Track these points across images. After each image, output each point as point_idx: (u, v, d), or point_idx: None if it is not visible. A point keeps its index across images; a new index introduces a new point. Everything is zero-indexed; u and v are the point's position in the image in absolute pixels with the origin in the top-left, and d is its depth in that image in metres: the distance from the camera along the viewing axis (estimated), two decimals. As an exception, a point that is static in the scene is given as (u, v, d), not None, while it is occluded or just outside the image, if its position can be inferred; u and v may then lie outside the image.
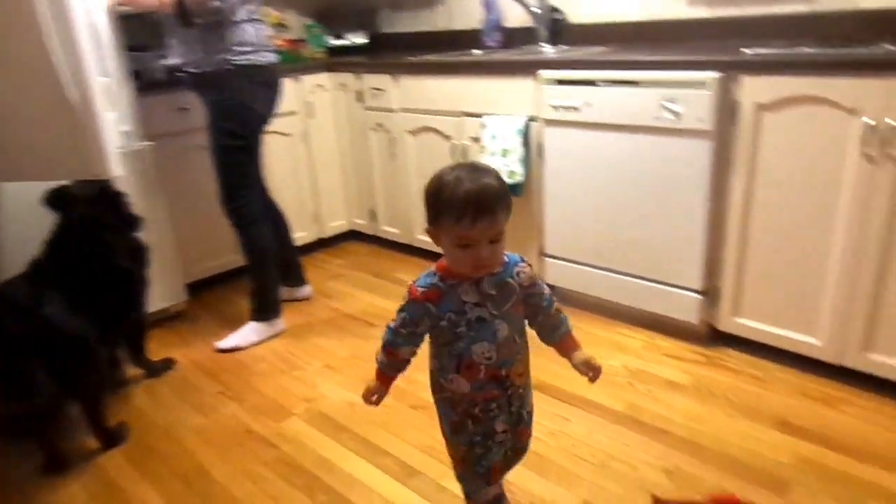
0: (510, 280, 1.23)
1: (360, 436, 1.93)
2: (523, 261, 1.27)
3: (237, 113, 2.39)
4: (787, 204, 1.93)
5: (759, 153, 1.93)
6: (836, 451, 1.72)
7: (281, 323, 2.62)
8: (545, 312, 1.30)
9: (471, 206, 1.09)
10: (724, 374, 2.09)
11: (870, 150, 1.72)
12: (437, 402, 1.37)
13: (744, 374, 2.09)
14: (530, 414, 1.38)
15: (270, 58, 2.42)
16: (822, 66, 1.78)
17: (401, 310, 1.26)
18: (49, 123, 1.92)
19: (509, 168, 2.49)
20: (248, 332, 2.55)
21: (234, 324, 2.63)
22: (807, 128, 1.83)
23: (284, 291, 2.78)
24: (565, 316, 1.33)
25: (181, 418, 2.09)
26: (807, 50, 1.88)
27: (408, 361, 1.35)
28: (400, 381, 2.17)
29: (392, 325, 1.29)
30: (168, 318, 2.74)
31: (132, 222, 2.20)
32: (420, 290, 1.22)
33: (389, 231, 3.32)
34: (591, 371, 1.28)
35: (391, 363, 1.34)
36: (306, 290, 2.91)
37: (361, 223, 3.47)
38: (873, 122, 1.69)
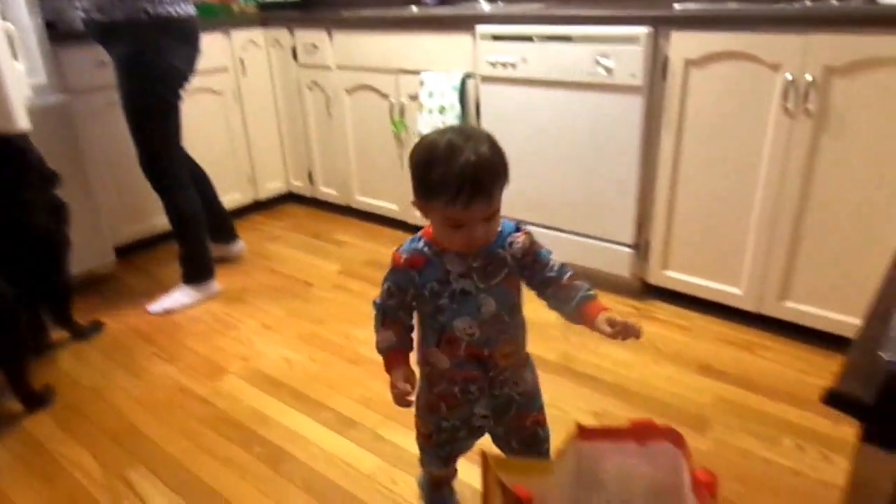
0: (500, 251, 1.13)
1: (297, 391, 1.93)
2: (519, 229, 1.15)
3: (154, 70, 2.22)
4: (713, 159, 2.00)
5: (688, 109, 2.00)
6: (753, 391, 1.82)
7: (214, 285, 2.56)
8: (555, 283, 1.15)
9: (466, 186, 0.98)
10: (653, 325, 2.17)
11: (789, 105, 1.80)
12: (420, 375, 1.23)
13: (671, 324, 2.18)
14: (529, 396, 1.25)
15: (189, 10, 2.27)
16: (746, 21, 1.83)
17: (385, 280, 1.16)
18: None
19: (447, 126, 2.48)
20: (180, 296, 2.48)
21: (165, 287, 2.56)
22: (732, 83, 1.89)
23: (216, 249, 2.71)
24: (583, 283, 1.15)
25: (111, 379, 2.03)
26: (732, 5, 1.94)
27: (410, 331, 1.21)
28: (337, 337, 2.21)
29: (378, 300, 1.18)
30: (96, 282, 2.64)
31: (48, 179, 2.10)
32: (403, 256, 1.13)
33: (327, 193, 3.28)
34: (611, 327, 1.07)
35: (389, 339, 1.18)
36: (239, 245, 2.84)
37: (299, 185, 3.41)
38: (792, 77, 1.77)
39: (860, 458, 0.82)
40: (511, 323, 1.17)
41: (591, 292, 1.14)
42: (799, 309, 1.97)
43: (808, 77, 1.74)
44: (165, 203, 2.43)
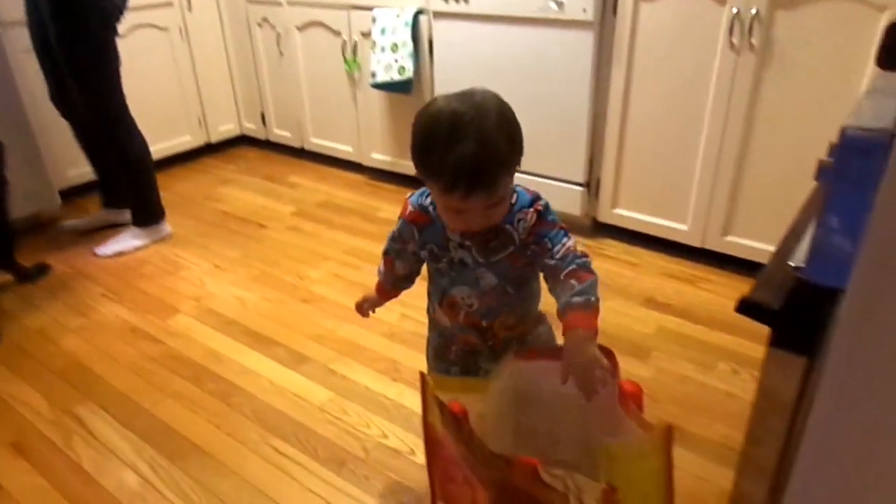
0: (508, 227, 1.02)
1: (249, 329, 1.93)
2: (533, 205, 1.03)
3: (90, 9, 2.09)
4: (662, 94, 2.01)
5: (637, 44, 2.00)
6: (693, 321, 1.89)
7: (165, 227, 2.52)
8: (553, 274, 1.02)
9: (464, 179, 0.89)
10: (603, 262, 2.22)
11: (734, 39, 1.81)
12: (428, 321, 1.24)
13: (620, 260, 2.23)
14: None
15: None
16: (694, -46, 1.83)
17: (398, 219, 1.13)
18: None
19: (400, 63, 2.45)
20: (131, 238, 2.44)
21: (112, 228, 2.52)
22: (680, 18, 1.90)
23: (110, 215, 2.60)
24: (589, 284, 0.99)
25: (58, 320, 2.01)
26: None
27: (406, 280, 1.20)
28: (290, 277, 2.21)
29: (390, 233, 1.16)
30: (41, 225, 2.58)
31: None
32: (409, 208, 1.09)
33: (281, 135, 3.22)
34: (579, 379, 0.95)
35: (387, 273, 1.20)
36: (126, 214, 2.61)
37: (252, 127, 3.34)
38: (737, 11, 1.78)
39: (769, 364, 0.87)
40: (517, 295, 1.10)
41: (577, 299, 0.97)
42: (740, 243, 2.03)
43: (753, 10, 1.75)
44: (112, 146, 2.34)
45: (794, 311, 0.79)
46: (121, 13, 2.21)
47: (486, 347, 1.17)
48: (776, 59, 1.78)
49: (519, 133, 0.96)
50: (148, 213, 2.46)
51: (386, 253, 1.19)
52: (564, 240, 1.03)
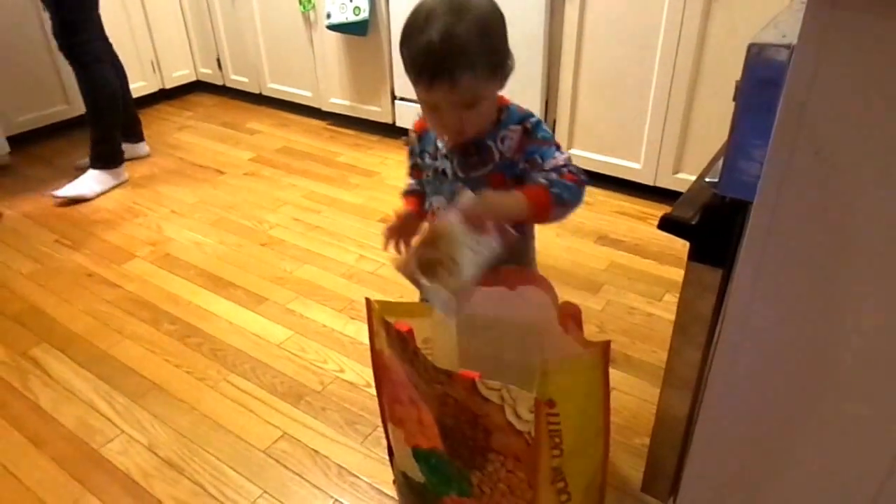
0: (489, 143, 1.01)
1: (207, 272, 1.94)
2: (522, 122, 1.01)
3: None
4: (614, 34, 2.02)
5: (590, -18, 2.00)
6: (643, 256, 1.95)
7: (124, 172, 2.48)
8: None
9: (427, 64, 0.90)
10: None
11: (683, -25, 1.82)
12: None
13: (575, 200, 2.27)
14: None
15: None
16: None
17: None
18: None
19: (354, 4, 2.40)
20: (90, 181, 2.39)
21: (65, 175, 2.47)
22: (632, -46, 1.90)
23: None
24: (566, 183, 0.97)
25: (9, 265, 1.99)
26: None
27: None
28: (248, 221, 2.21)
29: None
30: (-11, 172, 2.52)
31: None
32: (416, 119, 1.11)
33: (238, 80, 3.16)
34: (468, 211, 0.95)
35: (406, 184, 1.20)
36: (143, 147, 2.71)
37: (208, 73, 3.26)
38: (687, -54, 1.78)
39: (688, 278, 0.92)
40: None
41: (542, 180, 0.97)
42: (690, 180, 2.07)
43: (703, -55, 1.76)
44: (80, 78, 2.30)
45: (709, 224, 0.84)
46: None
47: None
48: (725, -5, 1.79)
49: (498, 42, 0.94)
50: (110, 155, 2.42)
51: (409, 168, 1.19)
52: (556, 154, 1.00)
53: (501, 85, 0.98)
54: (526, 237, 1.18)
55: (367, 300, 1.08)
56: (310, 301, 1.80)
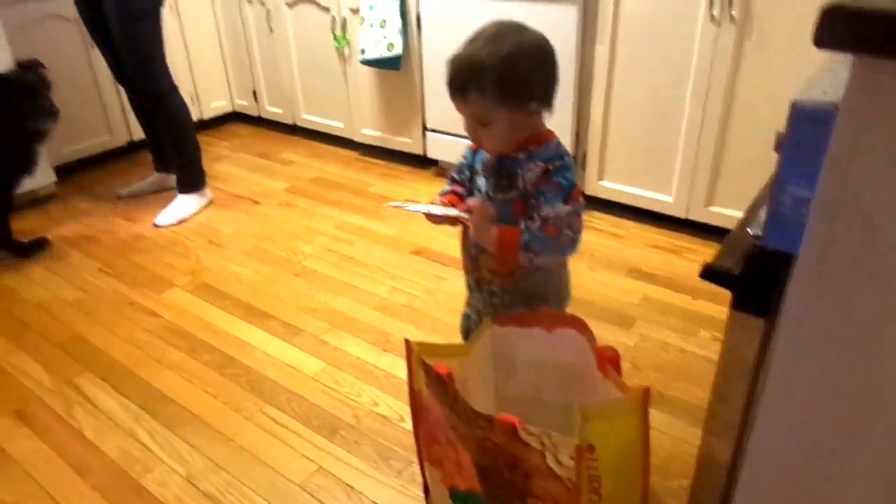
0: (518, 171, 1.10)
1: (243, 302, 1.98)
2: (548, 161, 1.08)
3: None
4: (645, 68, 2.04)
5: (620, 19, 2.02)
6: (677, 291, 1.94)
7: (208, 191, 2.57)
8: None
9: (449, 76, 1.04)
10: (590, 234, 2.26)
11: (714, 12, 1.83)
12: None
13: (606, 232, 2.27)
14: None
15: None
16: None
17: None
18: None
19: (388, 40, 2.46)
20: (182, 205, 2.49)
21: (106, 204, 2.56)
22: (664, -8, 1.92)
23: (160, 179, 2.69)
24: (544, 235, 1.06)
25: (56, 293, 2.05)
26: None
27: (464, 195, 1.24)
28: (283, 252, 2.25)
29: None
30: (37, 202, 2.61)
31: (49, 112, 2.12)
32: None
33: (273, 112, 3.24)
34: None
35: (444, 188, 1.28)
36: None
37: (244, 104, 3.35)
38: (719, -15, 1.80)
39: (731, 325, 0.92)
40: None
41: (522, 226, 1.07)
42: (723, 213, 2.07)
43: (734, -17, 1.78)
44: (158, 112, 2.39)
45: (752, 275, 0.84)
46: None
47: (473, 279, 1.26)
48: (756, 31, 1.80)
49: (522, 74, 1.02)
50: (195, 179, 2.52)
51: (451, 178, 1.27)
52: (557, 204, 1.06)
53: (521, 114, 1.06)
54: (550, 273, 1.21)
55: (407, 341, 1.10)
56: (343, 333, 1.82)
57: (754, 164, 1.95)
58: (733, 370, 0.92)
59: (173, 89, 2.39)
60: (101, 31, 2.30)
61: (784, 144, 0.75)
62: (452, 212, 1.11)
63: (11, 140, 2.07)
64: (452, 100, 1.06)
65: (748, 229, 0.87)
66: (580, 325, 1.13)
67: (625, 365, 1.66)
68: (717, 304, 1.86)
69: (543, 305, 1.23)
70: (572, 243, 1.10)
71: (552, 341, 1.15)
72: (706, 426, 1.01)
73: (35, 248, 2.28)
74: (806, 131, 0.71)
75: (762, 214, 0.84)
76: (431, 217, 1.14)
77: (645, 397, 0.94)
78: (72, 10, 2.51)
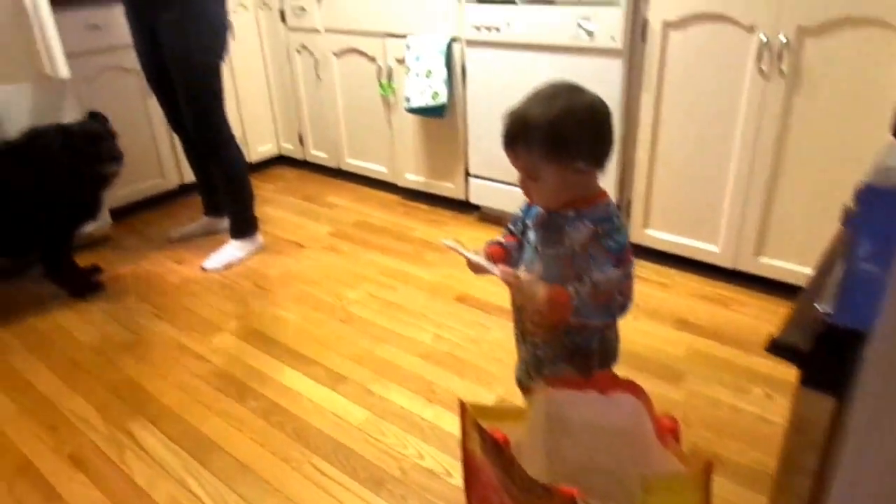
0: (567, 228, 1.12)
1: (290, 348, 2.00)
2: (598, 224, 1.09)
3: (214, 28, 2.29)
4: (691, 119, 2.04)
5: (666, 71, 2.03)
6: (726, 344, 1.91)
7: (259, 237, 2.64)
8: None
9: (503, 130, 1.09)
10: (634, 283, 2.24)
11: (763, 66, 1.83)
12: None
13: (650, 281, 2.25)
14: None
15: None
16: (723, -17, 1.86)
17: None
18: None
19: (433, 89, 2.51)
20: (234, 250, 2.56)
21: (157, 246, 2.65)
22: (709, 45, 1.93)
23: (209, 223, 2.77)
24: (590, 299, 1.08)
25: (109, 335, 2.11)
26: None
27: (512, 245, 1.28)
28: (328, 297, 2.28)
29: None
30: (93, 243, 2.69)
31: (115, 158, 2.26)
32: None
33: (318, 156, 3.32)
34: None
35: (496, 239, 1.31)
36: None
37: (290, 148, 3.44)
38: (766, 38, 1.80)
39: (799, 399, 0.90)
40: None
41: (571, 289, 1.08)
42: (772, 264, 2.04)
43: (782, 38, 1.78)
44: (218, 160, 2.47)
45: (822, 353, 0.82)
46: (230, 33, 2.38)
47: (518, 330, 1.28)
48: (806, 84, 1.80)
49: (570, 135, 1.06)
50: (247, 225, 2.59)
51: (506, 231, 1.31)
52: (608, 269, 1.08)
53: (569, 172, 1.09)
54: (597, 330, 1.21)
55: (461, 402, 1.10)
56: (388, 381, 1.83)
57: (805, 216, 1.92)
58: (802, 444, 0.89)
59: (231, 139, 2.47)
60: (161, 83, 2.40)
61: (855, 222, 0.74)
62: (495, 271, 1.15)
63: (77, 186, 2.16)
64: (505, 152, 1.11)
65: (817, 305, 0.86)
66: (636, 390, 1.11)
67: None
68: (769, 361, 1.81)
69: (588, 362, 1.23)
70: (623, 308, 1.12)
71: (607, 405, 1.14)
72: (773, 499, 0.98)
73: (91, 289, 2.35)
74: (878, 211, 0.70)
75: (830, 289, 0.82)
76: (474, 266, 1.19)
77: (708, 472, 0.92)
78: (131, 62, 2.64)
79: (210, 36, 2.29)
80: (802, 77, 1.79)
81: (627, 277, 1.11)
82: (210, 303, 2.28)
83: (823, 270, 0.97)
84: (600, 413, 1.14)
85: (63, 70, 2.06)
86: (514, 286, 1.14)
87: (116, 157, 2.17)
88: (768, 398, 1.68)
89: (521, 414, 1.13)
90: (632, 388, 1.11)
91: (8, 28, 1.95)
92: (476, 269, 1.19)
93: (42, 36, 1.99)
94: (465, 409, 1.10)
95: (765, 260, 2.05)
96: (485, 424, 1.06)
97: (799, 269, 1.98)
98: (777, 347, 0.88)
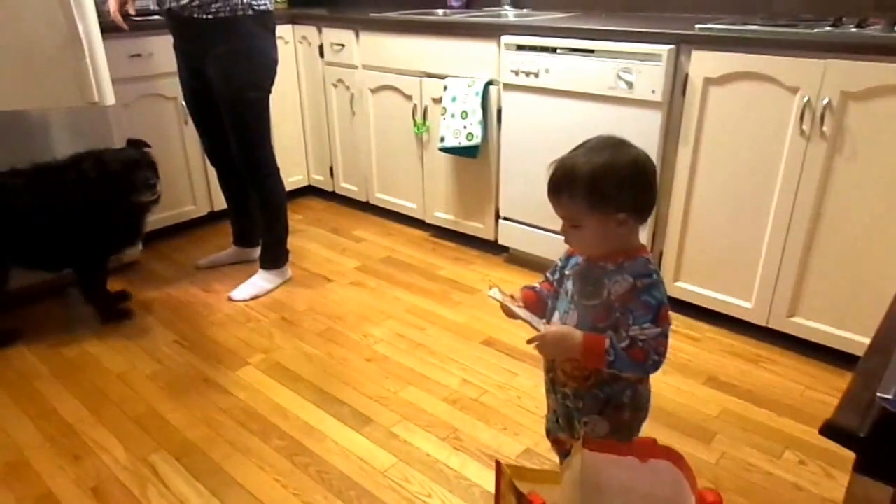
0: (606, 281, 1.13)
1: (315, 385, 1.99)
2: (637, 278, 1.10)
3: (263, 63, 2.32)
4: (729, 174, 2.03)
5: (705, 126, 2.03)
6: (759, 405, 1.87)
7: (288, 270, 2.65)
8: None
9: (549, 178, 1.12)
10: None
11: (804, 126, 1.83)
12: None
13: (680, 334, 2.22)
14: (588, 426, 1.24)
15: (273, 1, 2.36)
16: (766, 44, 1.86)
17: None
18: (54, 52, 2.01)
19: (468, 130, 2.53)
20: (262, 282, 2.56)
21: (185, 274, 2.67)
22: (750, 103, 1.92)
23: (241, 253, 2.79)
24: (627, 356, 1.09)
25: (135, 364, 2.11)
26: (754, 27, 1.97)
27: (546, 292, 1.30)
28: (354, 334, 2.27)
29: None
30: (123, 268, 2.72)
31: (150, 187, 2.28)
32: None
33: (348, 188, 3.34)
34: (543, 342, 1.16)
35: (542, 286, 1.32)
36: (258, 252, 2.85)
37: (320, 179, 3.48)
38: (809, 100, 1.80)
39: (854, 486, 0.87)
40: None
41: (607, 343, 1.09)
42: (807, 325, 2.00)
43: (825, 100, 1.77)
44: (259, 189, 2.50)
45: (881, 441, 0.80)
46: (277, 68, 2.40)
47: (548, 379, 1.28)
48: (848, 147, 1.78)
49: (611, 188, 1.08)
50: (279, 257, 2.61)
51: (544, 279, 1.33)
52: (647, 325, 1.08)
53: (610, 223, 1.10)
54: (628, 383, 1.20)
55: (498, 463, 1.08)
56: (413, 426, 1.81)
57: (842, 278, 1.89)
58: (854, 534, 0.87)
59: (276, 171, 2.50)
60: (204, 115, 2.44)
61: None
62: (536, 322, 1.18)
63: (111, 213, 2.18)
64: (549, 199, 1.14)
65: (879, 394, 0.83)
66: (677, 459, 1.09)
67: (704, 484, 1.59)
68: (801, 424, 1.78)
69: (619, 415, 1.22)
70: (656, 366, 1.12)
71: (645, 472, 1.12)
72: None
73: (119, 317, 2.37)
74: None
75: (892, 371, 0.80)
76: (509, 313, 1.22)
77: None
78: (169, 90, 2.71)
79: (258, 71, 2.33)
80: (844, 140, 1.78)
81: (664, 336, 1.11)
82: (236, 334, 2.28)
83: (880, 349, 0.95)
84: (638, 480, 1.12)
85: (109, 97, 2.10)
86: (550, 344, 1.16)
87: (151, 186, 2.19)
88: (801, 464, 1.64)
89: (556, 477, 1.11)
90: (673, 456, 1.09)
91: (61, 53, 2.00)
92: (511, 315, 1.22)
93: (92, 63, 2.03)
94: (500, 470, 1.08)
95: (798, 320, 2.02)
96: (522, 487, 1.04)
97: (833, 332, 1.95)
98: (832, 430, 0.86)
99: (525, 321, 1.20)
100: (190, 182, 2.97)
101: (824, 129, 1.79)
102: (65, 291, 2.51)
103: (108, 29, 2.56)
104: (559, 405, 1.30)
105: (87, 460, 1.71)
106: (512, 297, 1.26)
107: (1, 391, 1.99)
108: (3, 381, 2.04)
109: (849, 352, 1.92)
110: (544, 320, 1.22)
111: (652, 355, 1.09)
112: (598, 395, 1.21)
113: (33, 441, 1.78)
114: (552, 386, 1.29)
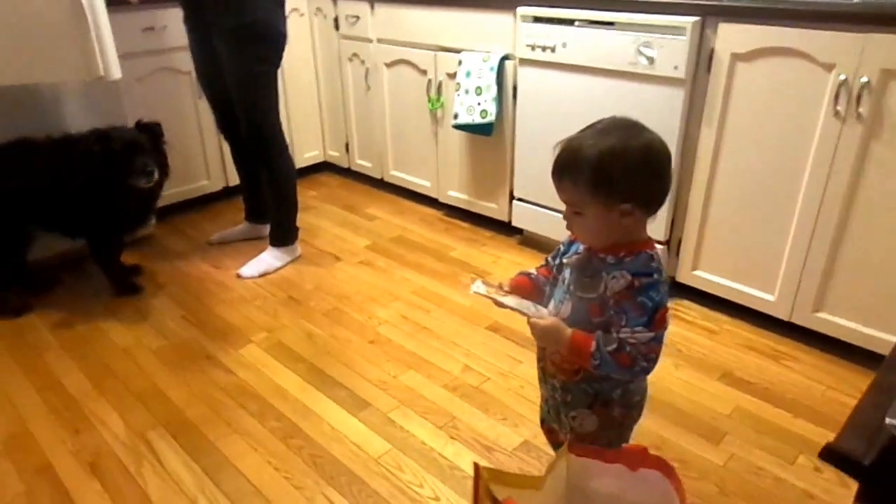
0: (603, 274, 1.06)
1: (316, 367, 1.96)
2: (635, 276, 1.03)
3: (269, 36, 2.27)
4: (754, 158, 1.91)
5: (731, 105, 1.91)
6: (775, 404, 1.77)
7: (298, 248, 2.62)
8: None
9: (554, 161, 1.06)
10: (678, 326, 2.12)
11: (839, 107, 1.69)
12: None
13: (696, 325, 2.12)
14: (575, 421, 1.20)
15: None
16: (800, 16, 1.72)
17: None
18: (58, 26, 1.98)
19: (482, 107, 2.44)
20: (271, 259, 2.55)
21: (198, 249, 2.66)
22: (780, 81, 1.79)
23: (253, 229, 2.77)
24: (613, 360, 1.04)
25: (141, 339, 2.12)
26: (787, -1, 1.82)
27: (543, 279, 1.25)
28: (359, 315, 2.23)
29: None
30: (137, 242, 2.72)
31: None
32: None
33: (362, 165, 3.29)
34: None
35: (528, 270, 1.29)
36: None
37: (335, 155, 3.43)
38: (845, 78, 1.66)
39: (855, 513, 0.79)
40: None
41: (594, 344, 1.05)
42: (833, 321, 1.89)
43: (863, 79, 1.63)
44: (268, 166, 2.47)
45: (887, 470, 0.72)
46: (286, 42, 2.35)
47: (539, 368, 1.26)
48: (887, 132, 1.65)
49: (619, 173, 1.00)
50: (288, 235, 2.59)
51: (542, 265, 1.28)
52: (638, 328, 1.02)
53: (614, 213, 1.02)
54: (619, 382, 1.15)
55: (476, 466, 1.03)
56: (411, 412, 1.77)
57: (873, 273, 1.77)
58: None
59: (285, 148, 2.46)
60: (214, 88, 2.41)
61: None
62: (525, 309, 1.14)
63: (112, 193, 2.16)
64: (553, 182, 1.07)
65: (887, 419, 0.75)
66: (667, 469, 1.02)
67: (709, 487, 1.51)
68: (818, 427, 1.68)
69: (608, 412, 1.17)
70: (645, 371, 1.06)
71: (633, 481, 1.05)
72: None
73: (130, 291, 2.38)
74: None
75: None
76: (498, 303, 1.16)
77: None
78: (183, 64, 2.67)
79: (265, 45, 2.27)
80: (883, 123, 1.64)
81: (657, 342, 1.04)
82: (242, 312, 2.27)
83: (889, 370, 0.86)
84: (625, 488, 1.06)
85: (116, 72, 2.08)
86: (539, 334, 1.12)
87: (147, 173, 2.13)
88: (816, 471, 1.55)
89: (539, 483, 1.05)
90: (663, 466, 1.02)
91: (66, 27, 1.97)
92: (500, 305, 1.17)
93: (97, 37, 2.00)
94: (479, 473, 1.03)
95: (824, 315, 1.90)
96: (499, 491, 0.99)
97: (860, 329, 1.83)
98: (833, 455, 0.78)
99: (514, 310, 1.15)
100: (205, 157, 2.95)
101: (861, 110, 1.66)
102: (81, 264, 2.52)
103: (117, 2, 2.54)
104: (549, 396, 1.27)
105: (86, 434, 1.71)
106: (500, 285, 1.20)
107: (11, 362, 2.02)
108: (15, 351, 2.06)
109: (877, 351, 1.80)
110: (537, 306, 1.17)
111: (640, 361, 1.03)
112: (587, 391, 1.17)
113: (37, 412, 1.80)
114: (543, 375, 1.26)
